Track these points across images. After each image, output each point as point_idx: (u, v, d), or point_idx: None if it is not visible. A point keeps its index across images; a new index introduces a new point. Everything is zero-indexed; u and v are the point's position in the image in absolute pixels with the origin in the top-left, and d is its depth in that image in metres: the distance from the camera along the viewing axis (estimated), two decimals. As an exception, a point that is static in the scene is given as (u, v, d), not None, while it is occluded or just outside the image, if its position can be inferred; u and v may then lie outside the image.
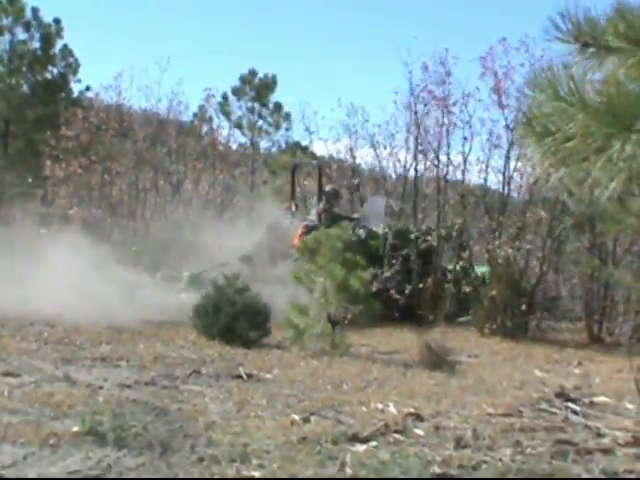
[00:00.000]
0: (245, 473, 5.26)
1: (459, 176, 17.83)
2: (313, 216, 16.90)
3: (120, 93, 22.42)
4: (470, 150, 17.43)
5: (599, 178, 2.88)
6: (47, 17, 27.96)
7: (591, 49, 3.37)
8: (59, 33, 28.13)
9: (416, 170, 18.14)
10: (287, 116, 29.13)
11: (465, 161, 17.49)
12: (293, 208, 17.82)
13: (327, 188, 17.39)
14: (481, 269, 16.22)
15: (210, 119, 25.61)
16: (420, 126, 17.67)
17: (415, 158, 18.13)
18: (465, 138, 17.34)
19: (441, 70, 17.15)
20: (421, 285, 15.99)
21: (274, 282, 13.77)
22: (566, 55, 3.39)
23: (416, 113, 17.67)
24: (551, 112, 3.01)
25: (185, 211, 20.83)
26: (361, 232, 16.34)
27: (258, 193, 22.85)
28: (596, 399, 8.69)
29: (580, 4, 3.43)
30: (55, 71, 28.61)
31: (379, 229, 16.90)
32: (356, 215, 17.43)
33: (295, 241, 15.52)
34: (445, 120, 17.40)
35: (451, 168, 17.67)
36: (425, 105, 17.50)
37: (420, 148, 17.90)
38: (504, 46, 16.28)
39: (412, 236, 16.32)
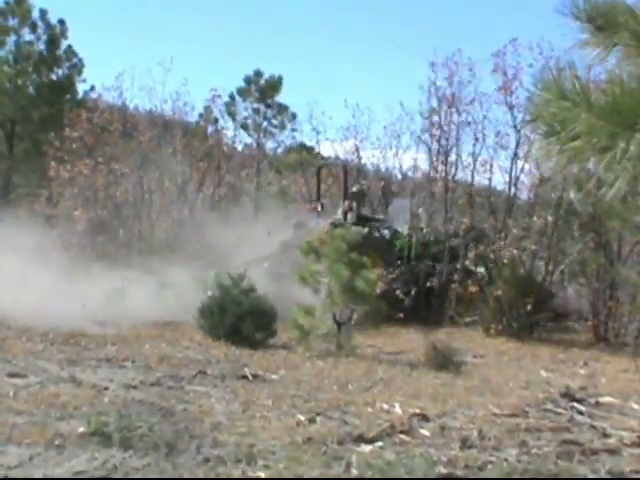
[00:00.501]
0: (251, 474, 5.27)
1: (469, 177, 17.89)
2: (339, 215, 17.00)
3: (122, 94, 22.43)
4: (481, 150, 17.49)
5: (604, 177, 2.88)
6: (51, 18, 28.10)
7: (604, 33, 3.37)
8: (64, 34, 28.12)
9: (436, 170, 18.19)
10: (293, 116, 29.09)
11: (475, 161, 17.54)
12: (319, 208, 17.89)
13: (353, 188, 17.56)
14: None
15: (216, 120, 25.58)
16: (437, 127, 17.70)
17: (434, 158, 18.16)
18: (477, 139, 17.39)
19: (454, 70, 17.21)
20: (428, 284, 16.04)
21: None
22: (578, 38, 3.40)
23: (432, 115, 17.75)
24: (556, 111, 3.00)
25: (191, 211, 20.84)
26: (386, 232, 16.50)
27: (268, 194, 22.87)
28: (602, 399, 8.69)
29: None
30: (60, 72, 28.64)
31: (404, 230, 17.05)
32: (381, 216, 17.55)
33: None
34: (456, 120, 17.46)
35: (460, 168, 17.73)
36: (448, 106, 17.50)
37: (436, 148, 17.94)
38: (514, 46, 16.31)
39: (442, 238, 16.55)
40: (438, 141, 17.74)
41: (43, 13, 27.95)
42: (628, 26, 3.33)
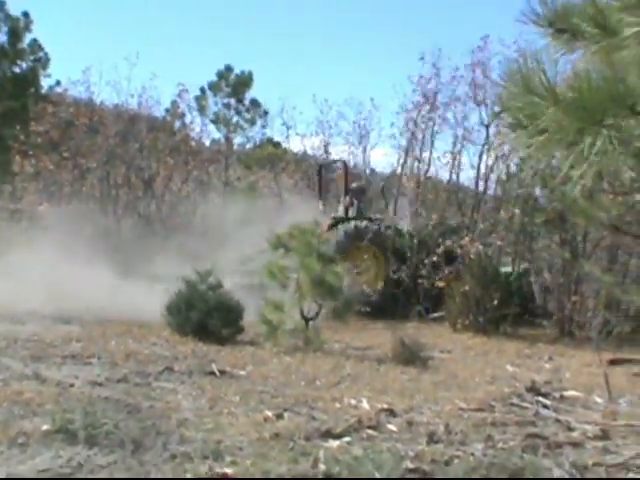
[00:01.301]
0: (218, 470, 5.23)
1: (438, 173, 18.01)
2: (340, 212, 17.35)
3: (89, 88, 22.28)
4: (459, 149, 17.62)
5: (569, 173, 2.89)
6: (15, 11, 27.77)
7: (565, 35, 3.39)
8: (28, 27, 27.86)
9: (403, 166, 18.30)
10: (265, 113, 29.03)
11: (455, 159, 17.69)
12: (321, 207, 18.00)
13: (353, 185, 17.74)
14: (507, 269, 16.25)
15: (183, 115, 25.48)
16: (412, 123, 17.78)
17: (405, 154, 18.25)
18: (456, 136, 17.52)
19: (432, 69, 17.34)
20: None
21: None
22: (540, 40, 3.42)
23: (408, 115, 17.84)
24: (523, 105, 3.01)
25: (159, 207, 20.77)
26: (389, 232, 16.78)
27: (237, 189, 22.81)
28: (566, 393, 8.76)
29: None
30: (24, 65, 28.36)
31: (403, 229, 17.35)
32: (379, 215, 17.68)
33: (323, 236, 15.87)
34: (433, 118, 17.56)
35: (431, 164, 17.84)
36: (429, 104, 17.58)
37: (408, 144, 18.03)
38: (485, 43, 16.43)
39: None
40: (412, 137, 17.81)
41: (2, 4, 27.65)
42: (587, 27, 3.35)
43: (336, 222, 16.39)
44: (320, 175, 19.26)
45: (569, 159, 2.87)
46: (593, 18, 3.19)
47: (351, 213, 16.98)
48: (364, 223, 16.47)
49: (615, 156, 2.86)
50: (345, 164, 19.08)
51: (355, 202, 17.09)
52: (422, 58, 17.46)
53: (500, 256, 15.75)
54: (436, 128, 17.70)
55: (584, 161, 2.81)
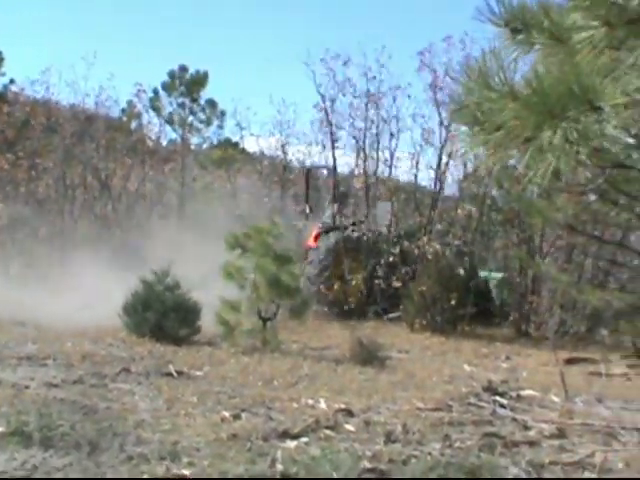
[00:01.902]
0: (175, 471, 5.21)
1: (392, 172, 18.05)
2: (327, 218, 17.38)
3: (48, 88, 22.04)
4: (396, 147, 17.66)
5: (526, 172, 2.91)
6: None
7: (520, 36, 3.41)
8: (-21, 25, 27.51)
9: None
10: (222, 114, 28.88)
11: (392, 157, 17.70)
12: (307, 210, 18.03)
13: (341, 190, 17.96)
14: (496, 276, 16.33)
15: (139, 115, 25.29)
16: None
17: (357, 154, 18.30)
18: (392, 134, 17.54)
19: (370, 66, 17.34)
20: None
21: None
22: (497, 39, 3.44)
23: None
24: (481, 101, 3.02)
25: (115, 208, 20.61)
26: (370, 234, 16.86)
27: (193, 190, 22.69)
28: (523, 392, 8.84)
29: None
30: (-24, 64, 27.98)
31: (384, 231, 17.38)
32: (362, 219, 17.74)
33: (310, 242, 16.38)
34: (374, 116, 17.57)
35: (380, 164, 17.86)
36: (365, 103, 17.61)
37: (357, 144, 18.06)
38: (448, 44, 16.48)
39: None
40: (362, 136, 17.84)
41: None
42: (543, 26, 3.37)
43: (326, 231, 16.54)
44: (307, 180, 19.26)
45: (527, 155, 2.89)
46: (547, 29, 3.23)
47: (337, 220, 17.09)
48: (354, 232, 16.58)
49: (572, 153, 2.88)
50: (333, 171, 19.05)
51: (342, 208, 17.26)
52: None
53: (458, 256, 15.81)
54: (387, 127, 17.67)
55: (541, 158, 2.83)
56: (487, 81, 2.99)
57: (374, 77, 17.41)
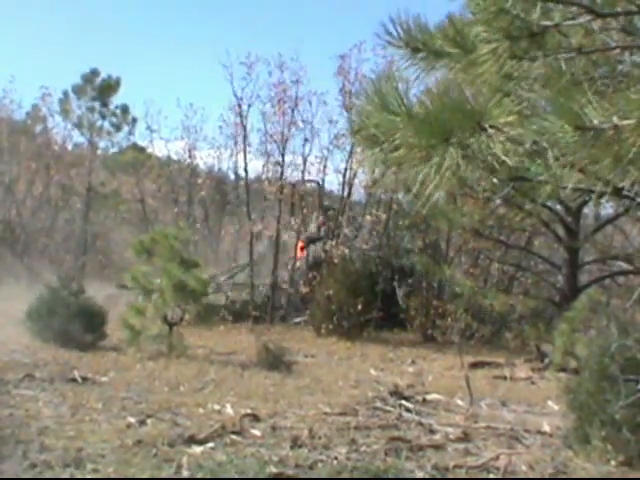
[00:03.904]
0: (79, 477, 5.13)
1: (300, 177, 18.03)
2: (313, 229, 17.46)
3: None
4: (310, 151, 17.68)
5: (427, 186, 2.94)
6: None
7: (421, 54, 3.45)
8: None
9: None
10: (133, 121, 28.48)
11: (305, 161, 17.70)
12: (293, 222, 17.99)
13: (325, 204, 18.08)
14: None
15: (45, 118, 24.78)
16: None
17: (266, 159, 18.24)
18: (306, 139, 17.56)
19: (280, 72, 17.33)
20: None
21: None
22: (397, 60, 3.47)
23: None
24: (379, 122, 3.05)
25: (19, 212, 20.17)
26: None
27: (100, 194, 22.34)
28: (429, 396, 8.95)
29: (410, 11, 3.51)
30: None
31: None
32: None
33: (297, 253, 16.77)
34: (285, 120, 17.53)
35: (291, 169, 17.84)
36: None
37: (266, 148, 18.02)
38: (359, 50, 16.58)
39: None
40: (271, 141, 17.81)
41: None
42: (439, 48, 3.43)
43: (312, 241, 17.01)
44: (294, 193, 19.13)
45: (422, 173, 2.93)
46: (452, 38, 3.27)
47: (322, 232, 17.34)
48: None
49: (467, 171, 2.92)
50: (319, 184, 18.91)
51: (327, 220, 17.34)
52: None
53: (364, 260, 15.95)
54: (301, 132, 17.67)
55: (439, 175, 2.86)
56: (384, 102, 3.01)
57: (296, 81, 17.37)
